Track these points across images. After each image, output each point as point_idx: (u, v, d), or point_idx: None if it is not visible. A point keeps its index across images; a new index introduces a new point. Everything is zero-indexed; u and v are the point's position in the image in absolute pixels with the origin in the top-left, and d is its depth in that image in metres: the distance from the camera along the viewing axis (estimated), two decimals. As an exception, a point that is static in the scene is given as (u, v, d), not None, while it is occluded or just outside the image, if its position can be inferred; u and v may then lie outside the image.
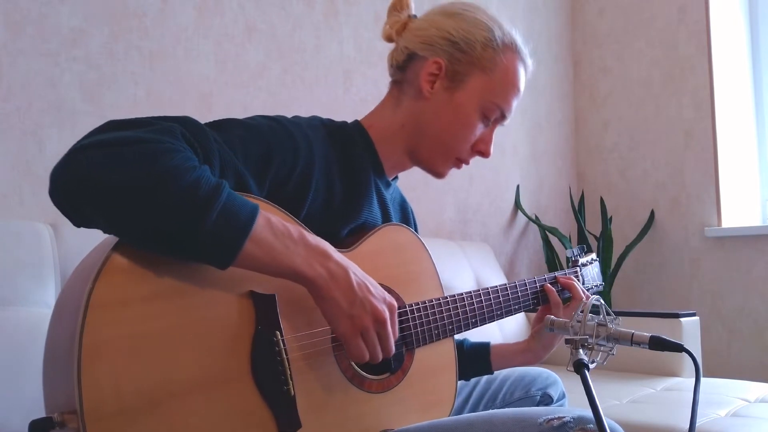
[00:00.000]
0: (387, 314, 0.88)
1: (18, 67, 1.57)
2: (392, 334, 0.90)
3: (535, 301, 1.23)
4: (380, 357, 0.90)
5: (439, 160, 1.10)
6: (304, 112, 1.08)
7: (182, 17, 1.88)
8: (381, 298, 0.88)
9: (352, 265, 0.87)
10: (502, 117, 1.09)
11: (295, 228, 0.83)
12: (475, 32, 1.05)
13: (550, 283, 1.24)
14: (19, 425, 1.16)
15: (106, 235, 0.80)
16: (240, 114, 0.98)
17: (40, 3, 1.61)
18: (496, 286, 1.18)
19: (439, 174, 1.12)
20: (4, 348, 1.21)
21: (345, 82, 2.30)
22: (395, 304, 0.91)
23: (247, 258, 0.78)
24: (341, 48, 2.30)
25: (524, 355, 1.24)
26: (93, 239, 0.82)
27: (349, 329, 0.86)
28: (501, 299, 1.17)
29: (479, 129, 1.08)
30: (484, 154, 1.11)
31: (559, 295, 1.23)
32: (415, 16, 1.12)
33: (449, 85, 1.06)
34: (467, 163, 1.11)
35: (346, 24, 2.32)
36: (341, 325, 0.86)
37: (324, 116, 1.09)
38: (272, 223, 0.81)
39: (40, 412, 0.77)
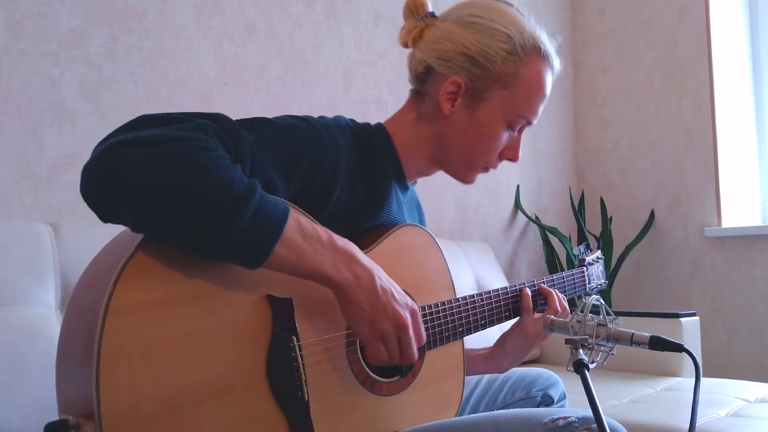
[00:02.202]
0: (409, 320, 0.88)
1: (18, 67, 1.57)
2: (415, 339, 0.90)
3: (543, 301, 1.22)
4: (399, 361, 0.90)
5: (465, 171, 1.09)
6: (304, 112, 1.08)
7: (182, 17, 1.88)
8: (404, 304, 0.88)
9: (377, 269, 0.87)
10: (529, 123, 1.06)
11: (323, 230, 0.84)
12: (493, 45, 0.99)
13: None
14: (19, 425, 1.16)
15: (111, 235, 0.80)
16: (240, 114, 0.98)
17: (40, 3, 1.61)
18: (506, 287, 1.17)
19: (466, 182, 1.12)
20: (4, 348, 1.21)
21: (345, 82, 2.30)
22: (417, 309, 0.91)
23: (276, 260, 0.78)
24: (341, 48, 2.30)
25: (487, 363, 1.21)
26: (93, 240, 0.81)
27: (370, 334, 0.86)
28: (510, 299, 1.17)
29: (505, 138, 1.05)
30: (513, 159, 1.09)
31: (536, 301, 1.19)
32: (433, 13, 1.06)
33: (470, 103, 1.02)
34: (495, 168, 1.10)
35: (346, 24, 2.32)
36: (362, 329, 0.86)
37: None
38: (302, 225, 0.81)
39: (40, 413, 0.77)
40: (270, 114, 0.99)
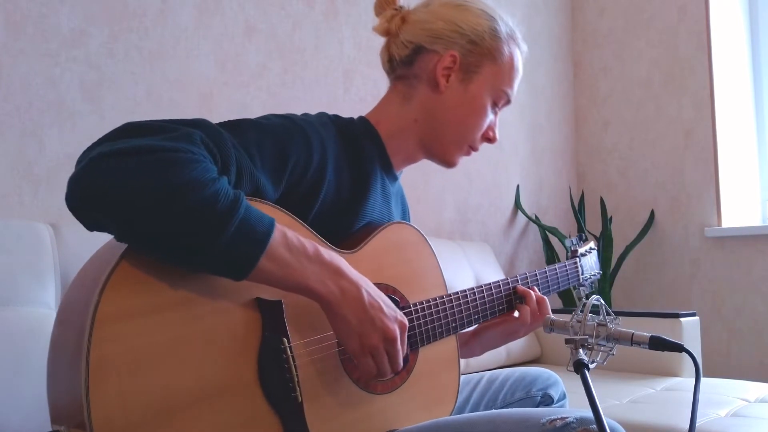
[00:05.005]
0: (397, 333, 0.89)
1: (18, 67, 1.57)
2: (401, 351, 0.90)
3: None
4: (389, 374, 0.90)
5: (454, 150, 1.12)
6: (304, 112, 1.08)
7: (182, 17, 1.88)
8: (392, 317, 0.89)
9: (365, 282, 0.87)
10: (508, 102, 1.12)
11: (310, 243, 0.84)
12: (482, 23, 1.07)
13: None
14: (19, 425, 1.16)
15: (110, 236, 0.80)
16: (240, 114, 0.98)
17: (40, 3, 1.61)
18: (498, 281, 1.18)
19: (452, 164, 1.14)
20: (4, 348, 1.21)
21: (345, 82, 2.30)
22: (406, 322, 0.92)
23: (261, 273, 0.78)
24: (341, 48, 2.30)
25: (461, 349, 1.19)
26: (93, 240, 0.81)
27: (358, 347, 0.87)
28: (503, 294, 1.17)
29: (490, 116, 1.11)
30: (492, 140, 1.14)
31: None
32: (402, 7, 1.12)
33: (464, 77, 1.07)
34: (477, 150, 1.14)
35: (346, 24, 2.32)
36: (351, 342, 0.87)
37: (324, 116, 1.09)
38: (288, 238, 0.81)
39: (40, 413, 0.77)
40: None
